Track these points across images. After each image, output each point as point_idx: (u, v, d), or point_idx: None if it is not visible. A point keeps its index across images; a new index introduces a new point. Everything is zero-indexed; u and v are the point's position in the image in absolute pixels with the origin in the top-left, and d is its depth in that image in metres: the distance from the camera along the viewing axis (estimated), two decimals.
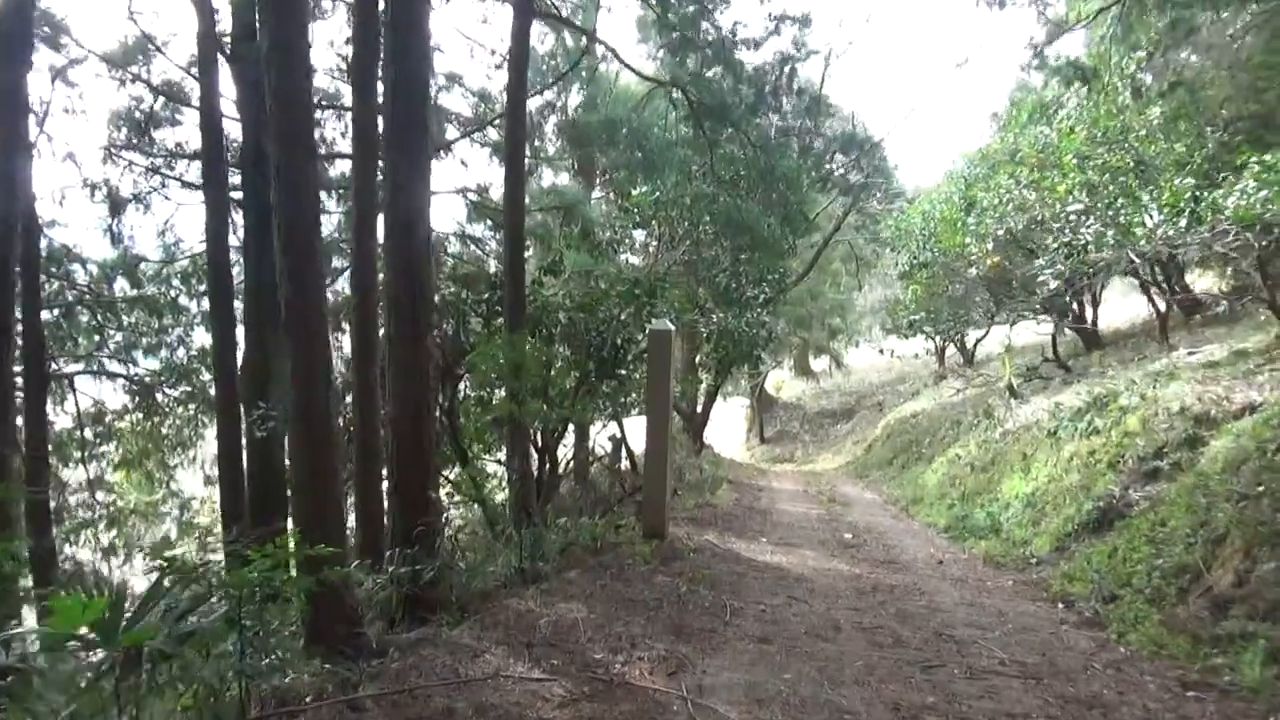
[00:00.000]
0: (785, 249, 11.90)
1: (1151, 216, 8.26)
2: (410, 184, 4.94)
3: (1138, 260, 8.71)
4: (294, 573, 3.48)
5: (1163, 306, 14.18)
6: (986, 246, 13.02)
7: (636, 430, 17.63)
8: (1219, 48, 13.50)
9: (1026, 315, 18.92)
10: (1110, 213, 9.44)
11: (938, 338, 23.95)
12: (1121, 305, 19.98)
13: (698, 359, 12.75)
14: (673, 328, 6.68)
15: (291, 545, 3.58)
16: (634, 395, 12.97)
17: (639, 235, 13.98)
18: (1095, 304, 16.53)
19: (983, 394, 15.98)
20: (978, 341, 23.16)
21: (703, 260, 12.11)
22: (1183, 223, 8.28)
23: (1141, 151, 12.20)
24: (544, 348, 10.59)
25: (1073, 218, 9.41)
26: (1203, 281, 17.30)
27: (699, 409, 19.30)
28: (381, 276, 5.96)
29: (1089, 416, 8.60)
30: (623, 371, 11.53)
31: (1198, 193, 8.38)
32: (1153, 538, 5.95)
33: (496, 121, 12.84)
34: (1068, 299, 15.86)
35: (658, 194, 12.18)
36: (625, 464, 15.21)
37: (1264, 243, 8.09)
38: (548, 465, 10.91)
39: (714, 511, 9.12)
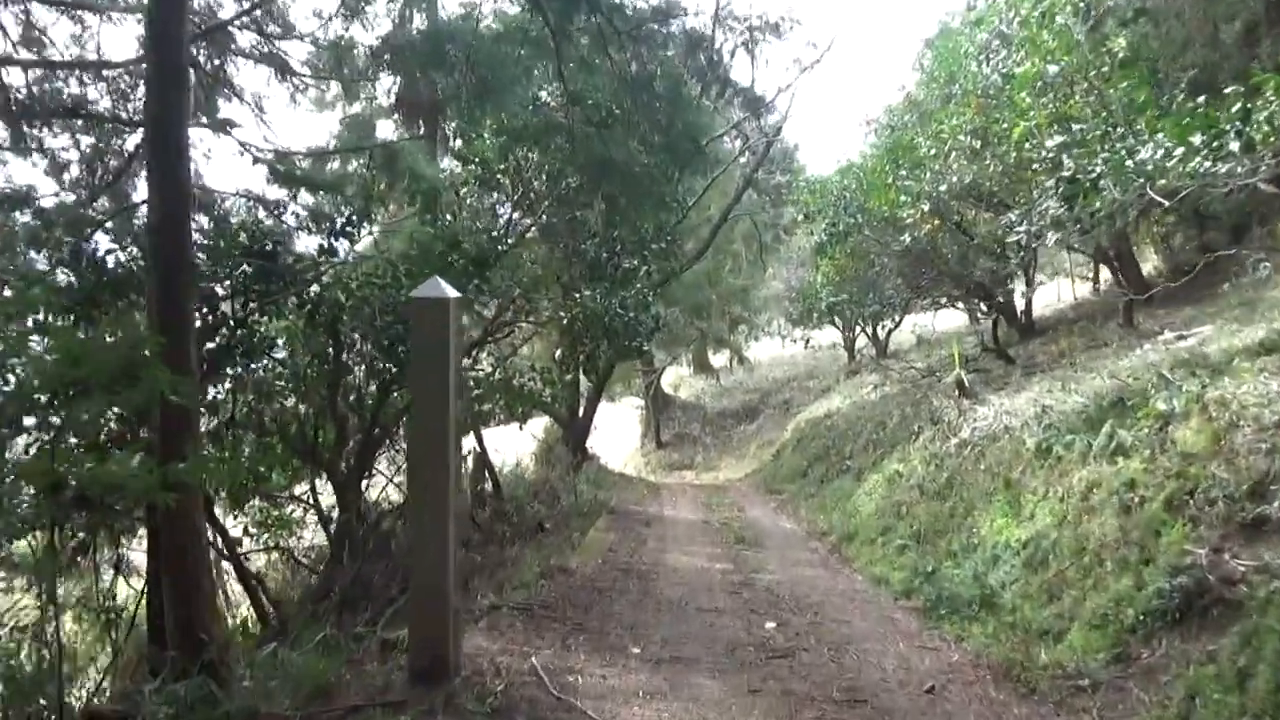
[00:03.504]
0: (668, 195, 8.92)
1: (1195, 139, 5.67)
2: None
3: (1165, 202, 6.12)
4: None
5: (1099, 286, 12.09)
6: (923, 207, 10.43)
7: (509, 440, 14.50)
8: None
9: (943, 302, 16.75)
10: (1107, 144, 6.88)
11: (851, 328, 21.68)
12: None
13: (557, 354, 9.68)
14: (453, 294, 3.57)
15: None
16: (490, 404, 9.88)
17: (500, 209, 10.79)
18: (1030, 284, 14.38)
19: (907, 390, 13.53)
20: (889, 332, 21.00)
21: (565, 224, 9.05)
22: (1234, 145, 5.71)
23: (1104, 92, 9.86)
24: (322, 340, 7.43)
25: (1075, 151, 6.80)
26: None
27: (580, 413, 16.26)
28: None
29: (1107, 426, 5.94)
30: None
31: (1249, 106, 5.83)
32: None
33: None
34: (1009, 276, 13.66)
35: (504, 136, 9.03)
36: (489, 485, 12.23)
37: None
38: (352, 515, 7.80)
39: (567, 583, 6.04)
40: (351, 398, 8.03)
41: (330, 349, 7.38)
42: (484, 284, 7.10)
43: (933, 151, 10.66)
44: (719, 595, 6.09)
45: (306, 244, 9.12)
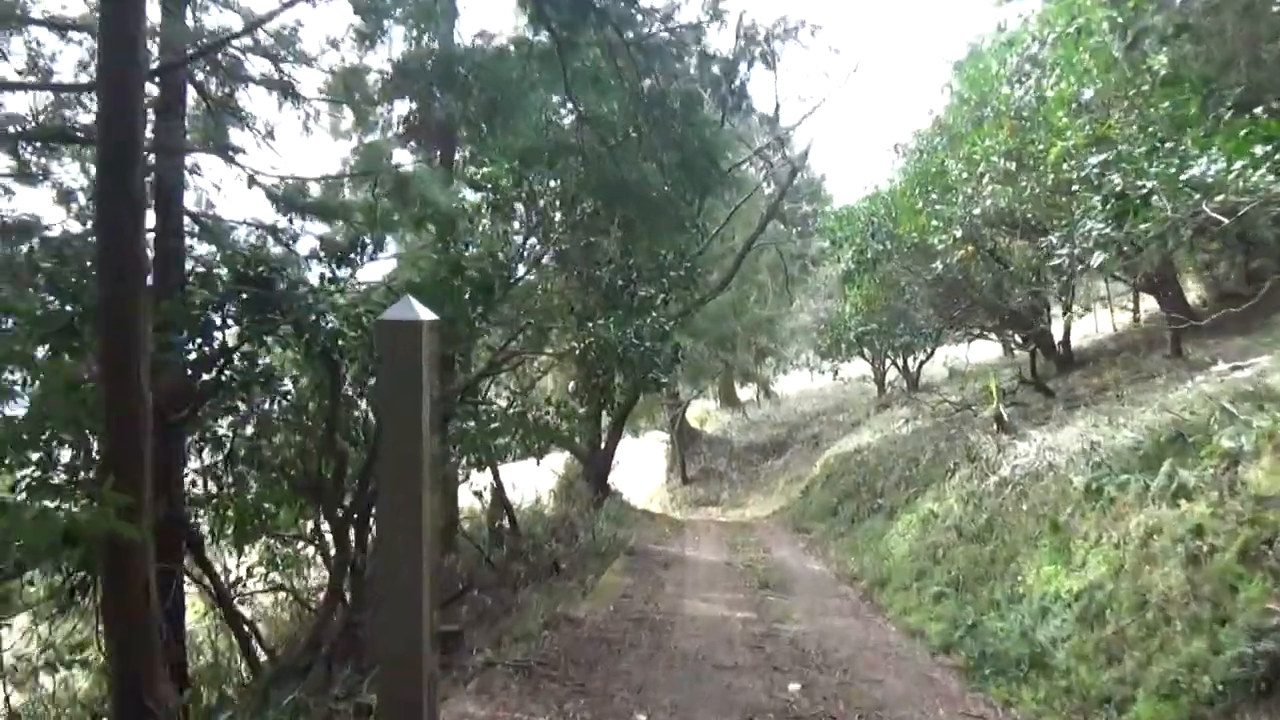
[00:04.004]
0: (686, 219, 8.51)
1: (1257, 150, 5.23)
2: None
3: (1223, 219, 5.61)
4: None
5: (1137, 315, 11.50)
6: (955, 233, 9.95)
7: (529, 475, 14.06)
8: None
9: (977, 332, 16.16)
10: (1156, 159, 6.40)
11: (881, 359, 21.14)
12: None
13: (571, 386, 9.29)
14: (427, 316, 3.17)
15: None
16: (508, 437, 9.49)
17: (515, 236, 10.48)
18: (1068, 311, 13.76)
19: (941, 425, 12.95)
20: (921, 364, 20.41)
21: (581, 251, 8.69)
22: None
23: (1145, 111, 9.38)
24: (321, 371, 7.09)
25: (1122, 167, 6.32)
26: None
27: (602, 446, 15.82)
28: None
29: (1166, 465, 5.39)
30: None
31: None
32: None
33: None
34: (1047, 305, 13.13)
35: (518, 160, 8.73)
36: (505, 522, 11.82)
37: None
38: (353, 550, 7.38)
39: (573, 635, 5.57)
40: (356, 431, 7.69)
41: (329, 380, 7.04)
42: (489, 312, 6.73)
43: (964, 175, 10.22)
44: (739, 649, 5.57)
45: (317, 273, 8.88)
